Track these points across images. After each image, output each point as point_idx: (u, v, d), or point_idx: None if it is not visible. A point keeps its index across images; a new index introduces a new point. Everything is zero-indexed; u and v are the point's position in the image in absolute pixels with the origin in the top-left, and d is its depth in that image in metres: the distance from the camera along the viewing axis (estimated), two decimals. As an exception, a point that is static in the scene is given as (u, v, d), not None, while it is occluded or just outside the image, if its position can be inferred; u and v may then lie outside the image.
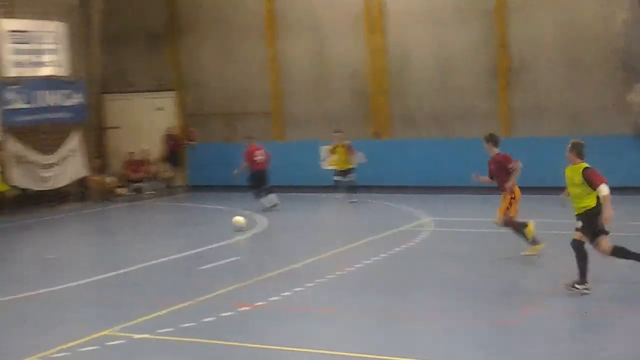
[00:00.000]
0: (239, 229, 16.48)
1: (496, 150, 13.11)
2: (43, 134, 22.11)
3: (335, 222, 19.21)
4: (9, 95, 20.72)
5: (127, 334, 9.59)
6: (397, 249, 14.25)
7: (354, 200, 20.42)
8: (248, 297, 11.22)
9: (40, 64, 21.52)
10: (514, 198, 12.88)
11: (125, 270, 13.45)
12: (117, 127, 25.52)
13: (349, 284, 12.07)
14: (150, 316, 10.36)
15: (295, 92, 23.80)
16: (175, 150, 25.03)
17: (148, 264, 13.93)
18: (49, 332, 10.04)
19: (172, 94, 25.43)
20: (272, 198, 19.52)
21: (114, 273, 13.30)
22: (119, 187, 24.16)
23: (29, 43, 21.10)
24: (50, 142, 22.17)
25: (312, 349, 8.90)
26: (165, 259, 14.33)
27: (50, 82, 21.80)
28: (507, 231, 13.28)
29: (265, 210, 19.15)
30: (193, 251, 14.92)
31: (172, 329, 9.72)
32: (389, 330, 9.75)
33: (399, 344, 9.11)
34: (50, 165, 21.84)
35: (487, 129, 15.55)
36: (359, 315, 10.46)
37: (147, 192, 24.18)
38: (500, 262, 12.93)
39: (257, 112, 24.27)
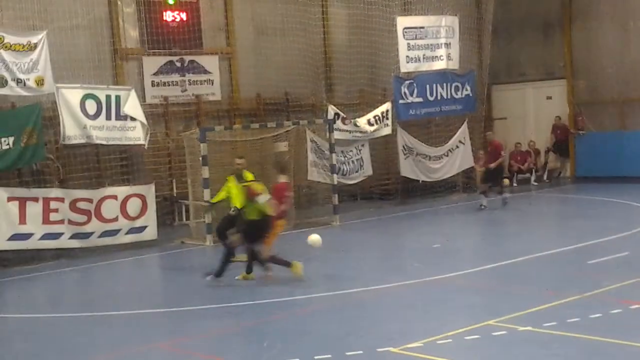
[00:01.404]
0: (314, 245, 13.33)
1: (282, 179, 13.02)
2: (434, 127, 22.96)
3: None
4: (404, 89, 21.75)
5: (511, 326, 9.55)
6: None
7: None
8: (639, 294, 10.61)
9: (433, 59, 22.02)
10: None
11: (512, 261, 13.42)
12: (504, 118, 25.64)
13: None
14: (535, 309, 10.22)
15: None
16: (562, 140, 24.49)
17: (534, 255, 13.77)
18: (435, 318, 10.33)
19: (562, 82, 24.90)
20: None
21: (500, 263, 13.37)
22: (505, 178, 24.25)
23: (423, 38, 21.79)
24: (440, 134, 22.94)
25: None
26: (552, 251, 14.08)
27: (442, 76, 22.36)
28: None
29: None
30: (581, 244, 14.48)
31: (556, 323, 9.50)
32: None
33: None
34: (440, 157, 22.54)
35: None
36: None
37: (533, 183, 23.97)
38: None
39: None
